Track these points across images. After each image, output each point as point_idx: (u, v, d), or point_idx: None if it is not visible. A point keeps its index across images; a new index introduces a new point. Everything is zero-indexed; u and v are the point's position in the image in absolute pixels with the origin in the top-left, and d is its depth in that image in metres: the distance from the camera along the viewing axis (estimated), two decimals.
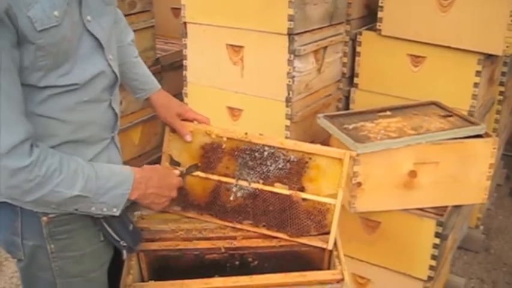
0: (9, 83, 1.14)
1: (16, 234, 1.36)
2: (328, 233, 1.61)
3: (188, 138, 1.69)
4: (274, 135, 1.95)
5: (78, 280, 1.42)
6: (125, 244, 1.45)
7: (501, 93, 3.00)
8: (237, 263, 1.66)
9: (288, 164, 1.65)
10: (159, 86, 1.75)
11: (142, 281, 1.63)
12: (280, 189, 1.65)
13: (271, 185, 1.66)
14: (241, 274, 1.55)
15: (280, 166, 1.65)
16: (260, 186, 1.66)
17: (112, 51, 1.39)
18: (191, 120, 1.72)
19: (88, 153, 1.36)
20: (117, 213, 1.35)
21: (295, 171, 1.64)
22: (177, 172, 1.63)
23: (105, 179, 1.31)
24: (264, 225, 1.66)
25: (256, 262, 1.66)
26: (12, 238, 1.37)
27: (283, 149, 1.65)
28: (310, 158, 1.63)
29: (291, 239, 1.63)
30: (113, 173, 1.34)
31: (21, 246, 1.37)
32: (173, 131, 1.72)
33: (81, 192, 1.26)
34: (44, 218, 1.34)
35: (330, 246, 1.60)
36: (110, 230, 1.42)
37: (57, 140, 1.29)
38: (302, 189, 1.64)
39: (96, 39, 1.32)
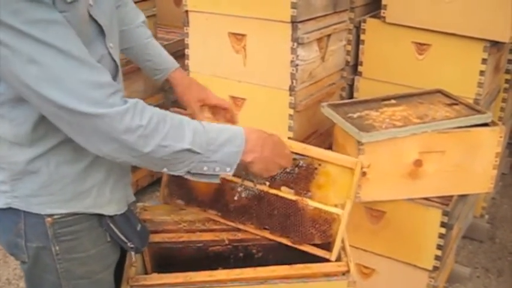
0: (71, 33, 1.09)
1: (19, 236, 1.30)
2: (332, 243, 1.56)
3: None
4: (278, 124, 1.92)
5: (85, 281, 1.37)
6: (132, 245, 1.39)
7: (507, 81, 2.96)
8: (241, 255, 1.64)
9: (296, 168, 1.58)
10: (177, 65, 1.67)
11: (146, 273, 1.61)
12: (286, 193, 1.59)
13: (278, 188, 1.60)
14: (245, 266, 1.53)
15: (288, 170, 1.58)
16: (266, 188, 1.59)
17: (113, 38, 1.32)
18: (213, 106, 1.66)
19: None
20: (231, 173, 1.26)
21: (304, 176, 1.58)
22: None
23: (215, 132, 1.23)
24: (267, 229, 1.61)
25: (260, 254, 1.64)
26: (16, 240, 1.31)
27: (292, 152, 1.57)
28: (319, 165, 1.57)
29: (294, 245, 1.59)
30: (221, 128, 1.27)
31: (24, 249, 1.31)
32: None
33: (191, 145, 1.17)
34: (49, 219, 1.28)
35: (334, 258, 1.55)
36: (116, 230, 1.36)
37: (62, 136, 1.21)
38: (309, 196, 1.59)
39: (99, 25, 1.25)
